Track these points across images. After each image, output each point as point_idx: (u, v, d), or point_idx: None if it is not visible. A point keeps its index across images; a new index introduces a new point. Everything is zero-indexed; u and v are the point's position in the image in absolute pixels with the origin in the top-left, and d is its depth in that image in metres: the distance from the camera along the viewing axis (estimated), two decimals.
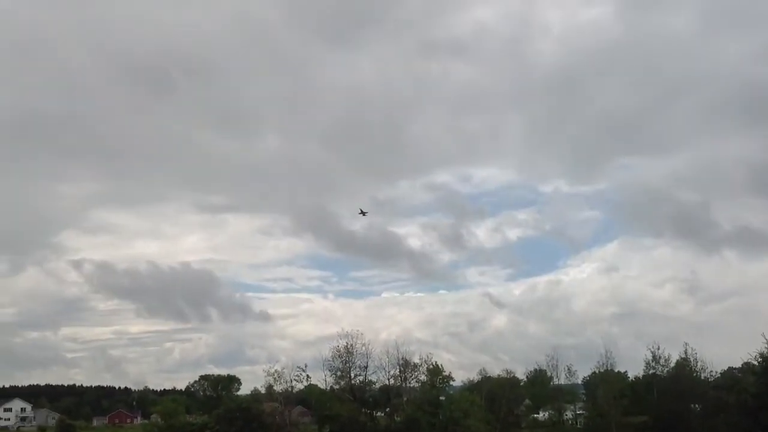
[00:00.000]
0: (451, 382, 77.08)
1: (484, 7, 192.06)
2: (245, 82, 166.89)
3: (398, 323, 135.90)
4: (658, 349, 73.30)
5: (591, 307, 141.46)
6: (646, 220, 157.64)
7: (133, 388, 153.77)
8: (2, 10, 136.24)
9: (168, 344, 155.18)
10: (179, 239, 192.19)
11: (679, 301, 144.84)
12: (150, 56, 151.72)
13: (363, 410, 72.30)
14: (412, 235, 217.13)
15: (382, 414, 76.01)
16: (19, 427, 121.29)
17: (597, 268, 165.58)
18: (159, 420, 77.90)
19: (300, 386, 72.91)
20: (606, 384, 73.17)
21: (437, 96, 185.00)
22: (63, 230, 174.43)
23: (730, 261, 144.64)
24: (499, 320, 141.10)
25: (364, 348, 71.84)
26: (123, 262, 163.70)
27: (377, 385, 74.88)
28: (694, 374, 72.06)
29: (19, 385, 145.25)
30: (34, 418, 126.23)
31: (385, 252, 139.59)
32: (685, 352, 72.67)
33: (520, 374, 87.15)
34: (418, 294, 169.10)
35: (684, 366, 72.59)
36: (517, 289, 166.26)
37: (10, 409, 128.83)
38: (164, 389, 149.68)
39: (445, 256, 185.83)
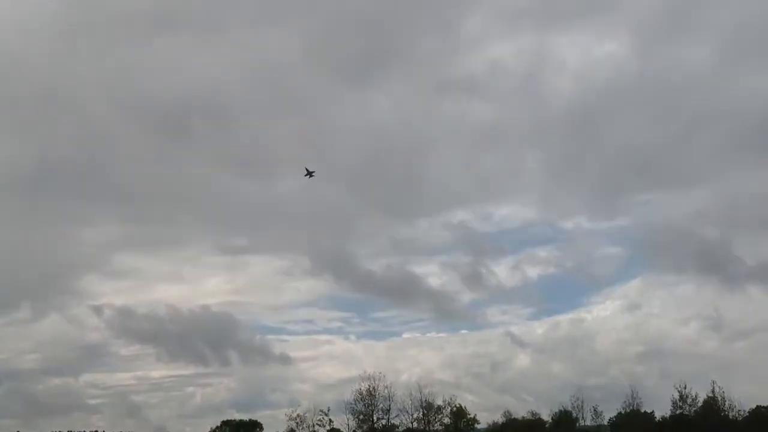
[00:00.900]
0: (476, 425, 76.20)
1: (498, 45, 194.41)
2: (263, 123, 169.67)
3: (420, 364, 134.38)
4: (685, 388, 72.32)
5: (615, 346, 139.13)
6: (669, 256, 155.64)
7: None
8: (23, 61, 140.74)
9: (189, 389, 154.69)
10: (200, 282, 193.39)
11: (704, 339, 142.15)
12: (167, 102, 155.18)
13: None
14: (432, 274, 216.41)
15: None
16: None
17: (620, 306, 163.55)
18: None
19: (323, 431, 72.41)
20: (633, 425, 72.06)
21: (454, 134, 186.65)
22: (85, 275, 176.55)
23: (754, 297, 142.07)
24: (522, 360, 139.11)
25: (386, 390, 71.53)
26: (144, 307, 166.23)
27: (400, 429, 74.06)
28: (723, 413, 70.84)
29: None
30: None
31: (405, 292, 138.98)
32: (713, 391, 71.64)
33: (545, 416, 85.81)
34: (440, 334, 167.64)
35: (712, 405, 71.41)
36: (540, 328, 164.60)
37: None
38: None
39: (466, 296, 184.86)
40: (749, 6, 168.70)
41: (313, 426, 70.91)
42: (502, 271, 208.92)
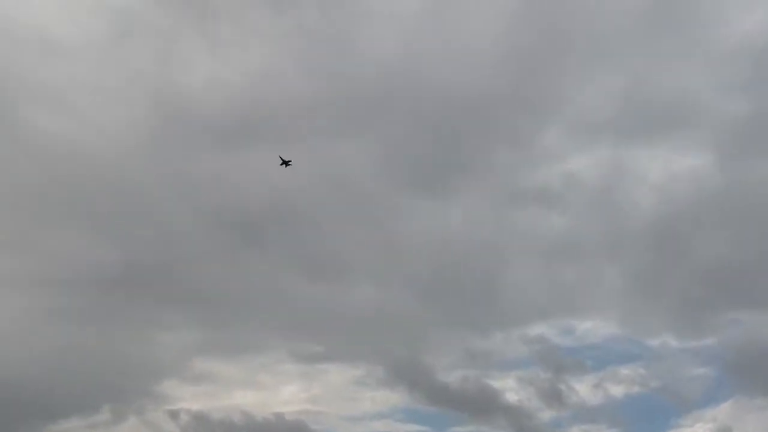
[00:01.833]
0: None
1: (575, 157, 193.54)
2: (337, 230, 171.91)
3: None
4: None
5: None
6: (761, 379, 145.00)
7: None
8: (109, 165, 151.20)
9: None
10: (275, 389, 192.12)
11: None
12: (245, 209, 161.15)
13: None
14: (509, 389, 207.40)
15: None
16: None
17: (710, 430, 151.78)
18: None
19: None
20: None
21: (529, 245, 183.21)
22: (163, 379, 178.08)
23: None
24: None
25: None
26: (219, 412, 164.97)
27: None
28: None
29: None
30: None
31: (481, 406, 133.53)
32: None
33: None
34: None
35: None
36: None
37: None
38: None
39: (545, 414, 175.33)
40: None
41: None
42: (583, 389, 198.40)
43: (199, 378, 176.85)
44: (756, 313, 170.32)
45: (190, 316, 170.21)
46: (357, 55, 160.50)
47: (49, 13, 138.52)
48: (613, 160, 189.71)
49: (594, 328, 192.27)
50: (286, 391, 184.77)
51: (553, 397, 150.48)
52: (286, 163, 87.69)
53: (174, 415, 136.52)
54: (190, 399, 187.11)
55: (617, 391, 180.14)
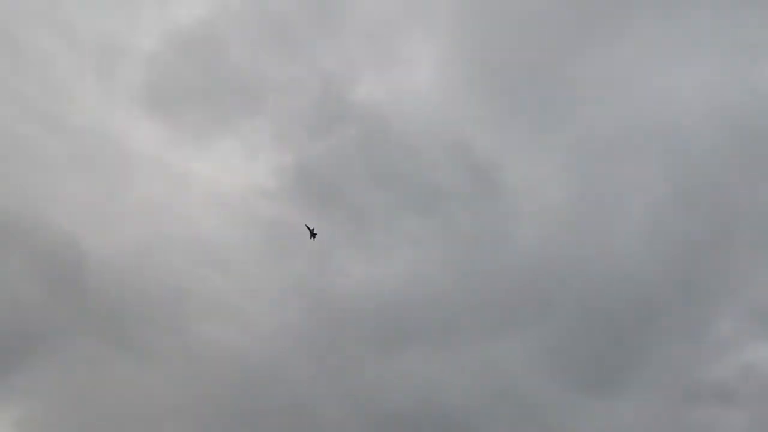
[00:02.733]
0: None
1: (752, 347, 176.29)
2: None
3: None
4: None
5: None
6: None
7: None
8: (273, 377, 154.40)
9: None
10: None
11: None
12: (400, 409, 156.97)
13: None
14: None
15: None
16: None
17: None
18: None
19: None
20: None
21: None
22: None
23: None
24: None
25: None
26: None
27: None
28: None
29: None
30: None
31: None
32: None
33: None
34: None
35: None
36: None
37: None
38: None
39: None
40: None
41: None
42: None
43: None
44: None
45: None
46: (510, 253, 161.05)
47: (210, 226, 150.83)
48: None
49: None
50: None
51: None
52: (313, 234, 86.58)
53: None
54: None
55: None
